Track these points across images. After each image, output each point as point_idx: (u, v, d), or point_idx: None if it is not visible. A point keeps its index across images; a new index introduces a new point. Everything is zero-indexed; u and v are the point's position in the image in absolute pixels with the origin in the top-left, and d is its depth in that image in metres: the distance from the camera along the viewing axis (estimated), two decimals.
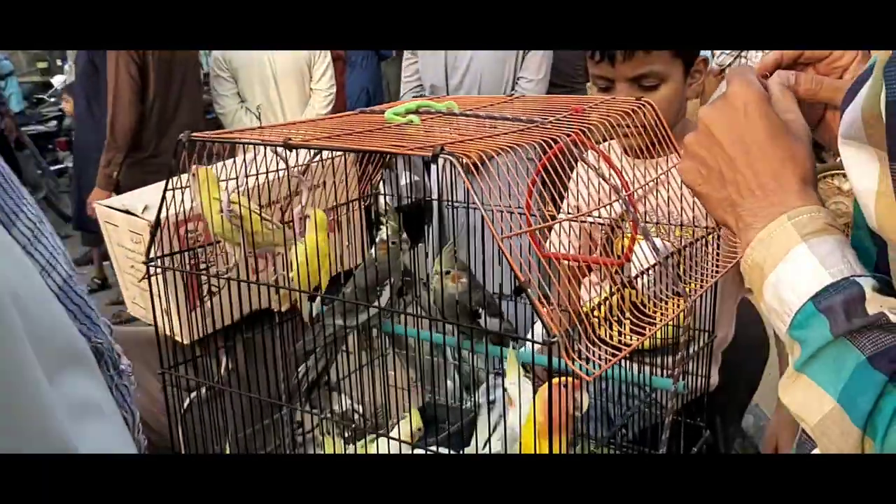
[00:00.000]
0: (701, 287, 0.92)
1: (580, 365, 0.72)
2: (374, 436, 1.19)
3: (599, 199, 0.94)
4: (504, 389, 1.07)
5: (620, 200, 0.91)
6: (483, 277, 1.18)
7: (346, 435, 1.36)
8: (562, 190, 0.98)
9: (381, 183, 1.39)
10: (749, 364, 1.84)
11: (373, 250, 1.18)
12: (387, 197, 1.34)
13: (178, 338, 1.34)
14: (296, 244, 1.09)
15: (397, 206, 1.62)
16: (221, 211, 1.02)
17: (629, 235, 0.99)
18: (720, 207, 0.74)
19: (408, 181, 1.97)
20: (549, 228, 1.36)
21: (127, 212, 1.29)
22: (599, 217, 1.19)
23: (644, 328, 0.84)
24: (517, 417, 0.99)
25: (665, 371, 1.13)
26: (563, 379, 0.90)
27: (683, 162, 0.77)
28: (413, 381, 1.56)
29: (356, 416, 1.61)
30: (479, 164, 0.79)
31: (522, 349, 1.13)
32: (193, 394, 1.41)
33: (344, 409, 1.57)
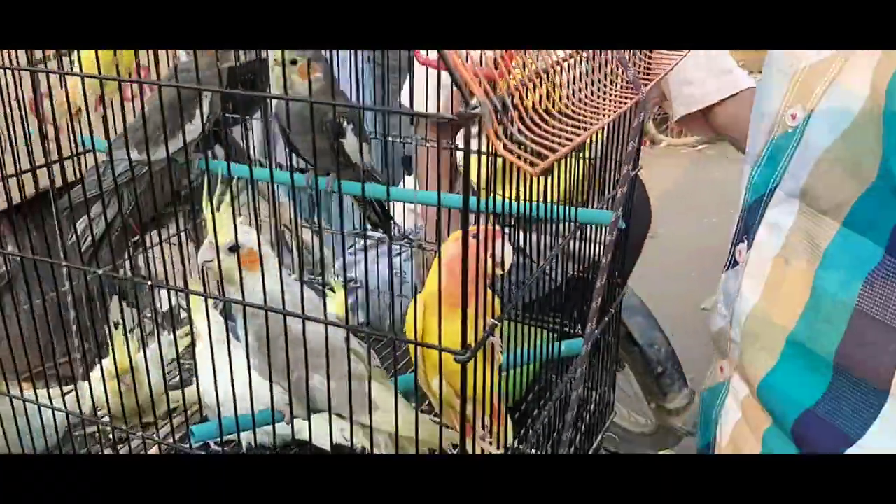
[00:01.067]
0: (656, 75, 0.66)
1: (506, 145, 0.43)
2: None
3: None
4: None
5: None
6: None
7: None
8: None
9: None
10: (635, 230, 1.65)
11: (181, 53, 0.82)
12: None
13: None
14: None
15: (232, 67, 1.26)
16: None
17: None
18: None
19: None
20: None
21: None
22: None
23: (579, 127, 0.57)
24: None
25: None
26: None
27: None
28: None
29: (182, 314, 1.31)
30: None
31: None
32: None
33: (164, 307, 1.26)
